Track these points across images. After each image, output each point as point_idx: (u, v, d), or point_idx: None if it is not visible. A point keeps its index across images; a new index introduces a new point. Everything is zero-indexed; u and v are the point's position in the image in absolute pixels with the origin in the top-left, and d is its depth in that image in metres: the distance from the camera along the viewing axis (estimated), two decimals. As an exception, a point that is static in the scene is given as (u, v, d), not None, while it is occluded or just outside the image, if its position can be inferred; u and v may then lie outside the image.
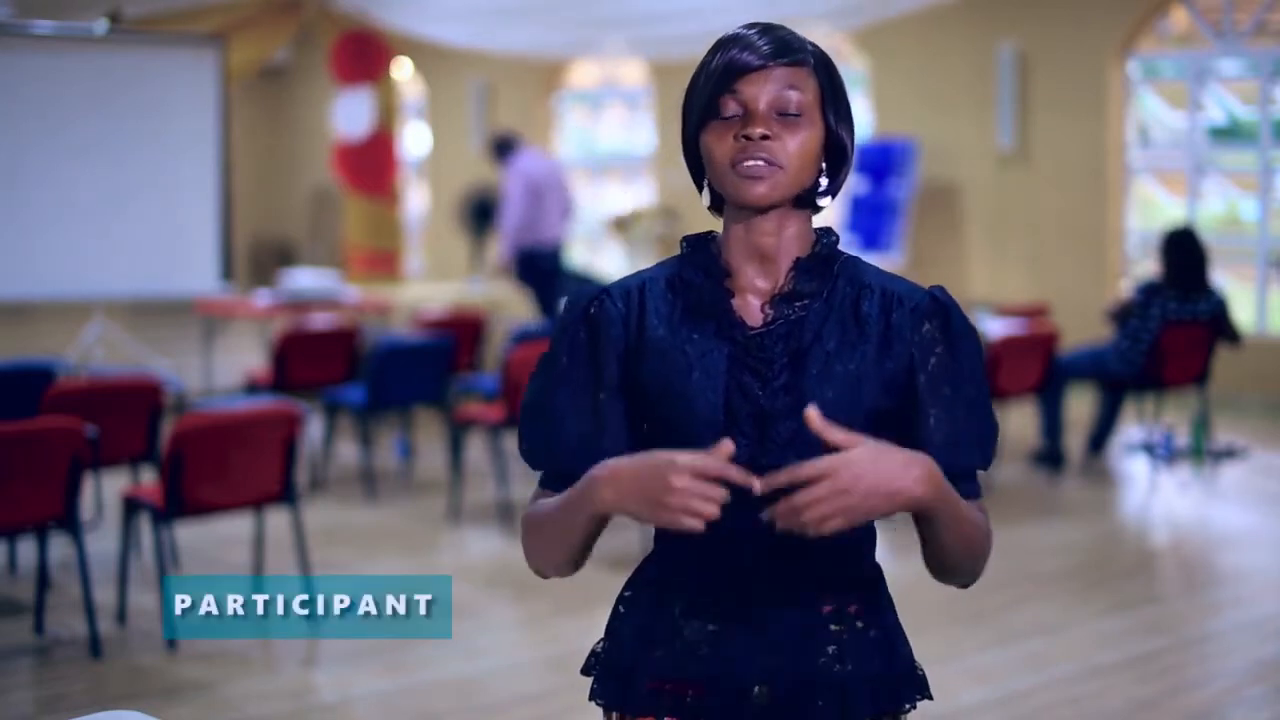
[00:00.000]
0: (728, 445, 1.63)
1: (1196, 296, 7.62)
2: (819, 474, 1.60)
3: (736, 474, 1.61)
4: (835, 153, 1.80)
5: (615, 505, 1.67)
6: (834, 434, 1.63)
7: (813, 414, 1.63)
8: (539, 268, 10.10)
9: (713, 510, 1.61)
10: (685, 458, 1.62)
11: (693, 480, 1.61)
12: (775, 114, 1.73)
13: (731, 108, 1.74)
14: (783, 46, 1.75)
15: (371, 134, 12.82)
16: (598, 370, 1.81)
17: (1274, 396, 9.65)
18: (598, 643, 1.90)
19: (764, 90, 1.73)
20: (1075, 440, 8.21)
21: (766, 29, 1.77)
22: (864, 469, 1.60)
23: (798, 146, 1.73)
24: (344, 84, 12.85)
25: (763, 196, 1.74)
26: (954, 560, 1.80)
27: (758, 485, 1.62)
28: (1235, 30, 10.07)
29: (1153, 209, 10.84)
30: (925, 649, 2.04)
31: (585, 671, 1.90)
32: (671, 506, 1.61)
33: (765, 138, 1.72)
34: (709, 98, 1.75)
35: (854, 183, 11.29)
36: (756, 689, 1.77)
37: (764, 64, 1.73)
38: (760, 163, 1.72)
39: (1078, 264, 10.65)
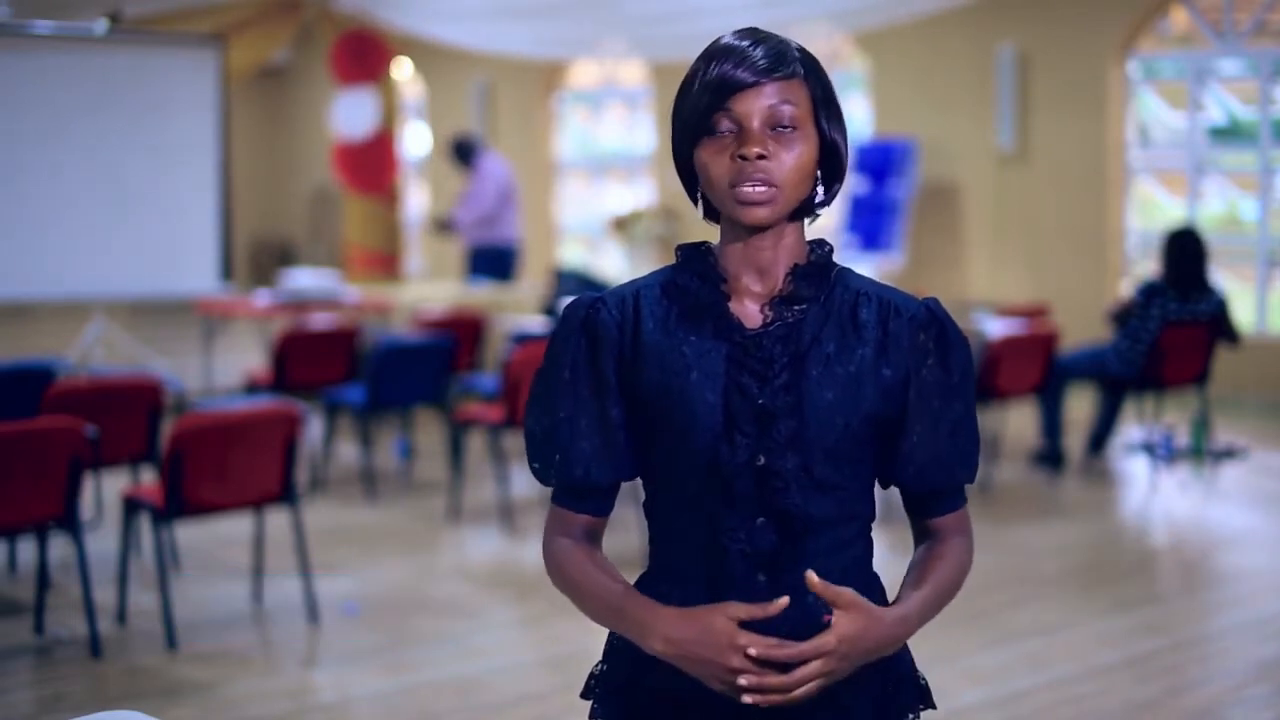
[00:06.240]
0: (781, 603, 1.67)
1: (1197, 297, 7.62)
2: (817, 653, 1.66)
3: (779, 653, 1.66)
4: (830, 158, 1.80)
5: (664, 656, 1.72)
6: (832, 591, 1.68)
7: (813, 576, 1.68)
8: (503, 264, 10.82)
9: (760, 699, 1.66)
10: (742, 640, 1.66)
11: (745, 661, 1.66)
12: (769, 129, 1.74)
13: (725, 125, 1.74)
14: (774, 60, 1.74)
15: (372, 134, 12.82)
16: (600, 379, 1.81)
17: (1274, 396, 9.65)
18: (596, 665, 1.89)
19: (757, 106, 1.73)
20: (1075, 440, 8.21)
21: (756, 40, 1.76)
22: (853, 646, 1.68)
23: (794, 162, 1.74)
24: (344, 84, 12.85)
25: (762, 219, 1.75)
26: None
27: (753, 650, 1.66)
28: (1235, 30, 10.07)
29: (1153, 209, 10.84)
30: (925, 650, 2.04)
31: (585, 695, 1.90)
32: (725, 684, 1.67)
33: (761, 157, 1.72)
34: (702, 114, 1.75)
35: (854, 183, 11.29)
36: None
37: (757, 80, 1.73)
38: (759, 187, 1.73)
39: (1078, 264, 10.65)
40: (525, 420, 1.86)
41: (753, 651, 1.65)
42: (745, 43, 1.75)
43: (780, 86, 1.74)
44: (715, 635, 1.66)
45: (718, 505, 1.76)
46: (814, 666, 1.65)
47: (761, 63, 1.73)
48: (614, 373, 1.81)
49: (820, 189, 1.81)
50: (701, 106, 1.75)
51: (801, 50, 1.79)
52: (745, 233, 1.79)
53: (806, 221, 1.84)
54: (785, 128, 1.74)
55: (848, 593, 1.68)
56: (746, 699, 1.65)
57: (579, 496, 1.84)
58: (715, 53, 1.76)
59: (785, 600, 1.67)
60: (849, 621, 1.67)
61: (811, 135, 1.76)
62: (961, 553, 1.85)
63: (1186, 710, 4.42)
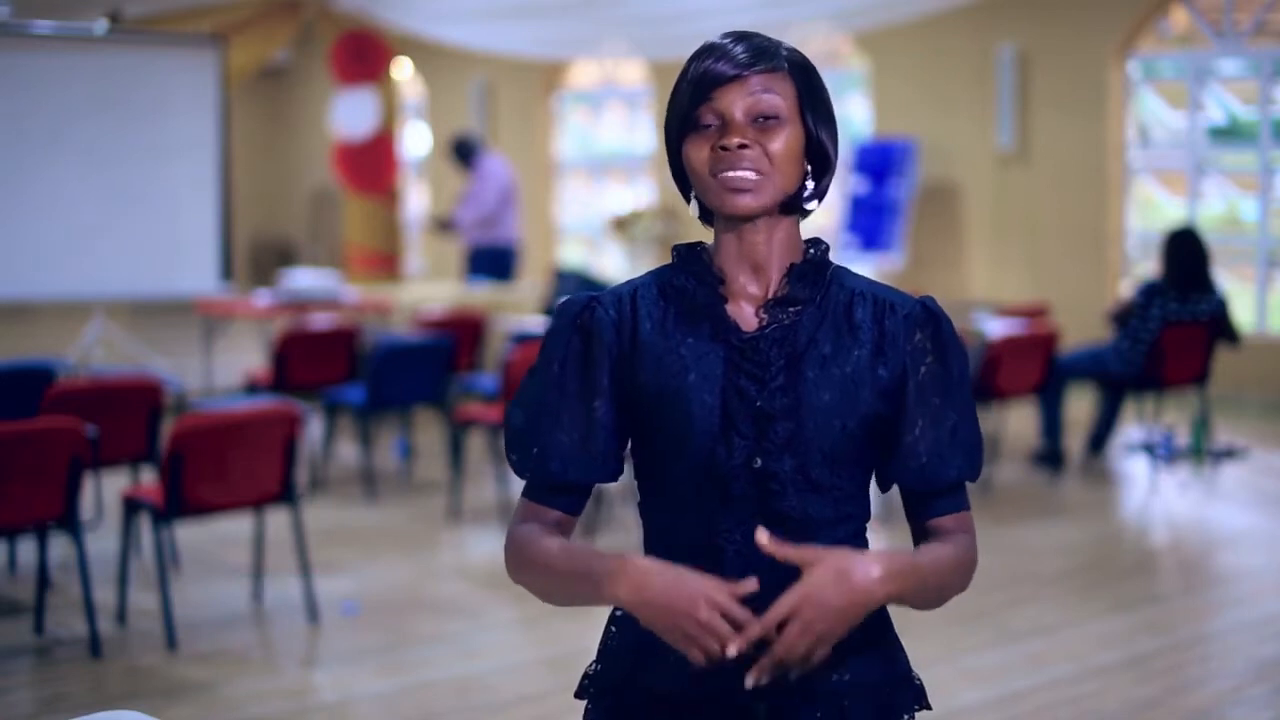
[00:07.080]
0: (751, 583, 1.64)
1: (1197, 297, 7.62)
2: (786, 615, 1.62)
3: (751, 624, 1.62)
4: (818, 156, 1.80)
5: (630, 607, 1.67)
6: (787, 551, 1.65)
7: (762, 537, 1.66)
8: (503, 264, 10.85)
9: (721, 651, 1.61)
10: (719, 596, 1.62)
11: (714, 616, 1.62)
12: (752, 121, 1.74)
13: (709, 118, 1.75)
14: (757, 53, 1.75)
15: (372, 134, 12.82)
16: (591, 378, 1.80)
17: (1274, 396, 9.65)
18: (590, 665, 1.88)
19: (740, 98, 1.74)
20: (1075, 440, 8.21)
21: (741, 37, 1.77)
22: (827, 595, 1.63)
23: (777, 152, 1.74)
24: (344, 84, 12.85)
25: (746, 207, 1.75)
26: (930, 606, 1.81)
27: (732, 650, 1.61)
28: (1235, 30, 10.07)
29: (1153, 209, 10.84)
30: (924, 649, 2.03)
31: (579, 695, 1.88)
32: (688, 638, 1.62)
33: (743, 147, 1.73)
34: (687, 109, 1.76)
35: (854, 183, 11.30)
36: (753, 702, 1.77)
37: (739, 73, 1.74)
38: (741, 173, 1.73)
39: (1078, 264, 10.65)
40: (508, 411, 1.85)
41: (732, 649, 1.60)
42: (729, 40, 1.77)
43: (763, 79, 1.74)
44: (690, 585, 1.63)
45: (713, 507, 1.76)
46: (793, 630, 1.61)
47: (743, 57, 1.75)
48: (609, 373, 1.80)
49: (809, 184, 1.80)
50: (686, 102, 1.76)
51: (790, 49, 1.80)
52: (737, 224, 1.79)
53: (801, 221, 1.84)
54: (769, 119, 1.74)
55: (808, 549, 1.66)
56: (749, 681, 1.62)
57: (553, 492, 1.82)
58: (700, 52, 1.78)
59: (754, 582, 1.64)
60: (816, 574, 1.63)
61: (796, 128, 1.76)
62: (962, 547, 1.81)
63: (1186, 710, 4.42)
